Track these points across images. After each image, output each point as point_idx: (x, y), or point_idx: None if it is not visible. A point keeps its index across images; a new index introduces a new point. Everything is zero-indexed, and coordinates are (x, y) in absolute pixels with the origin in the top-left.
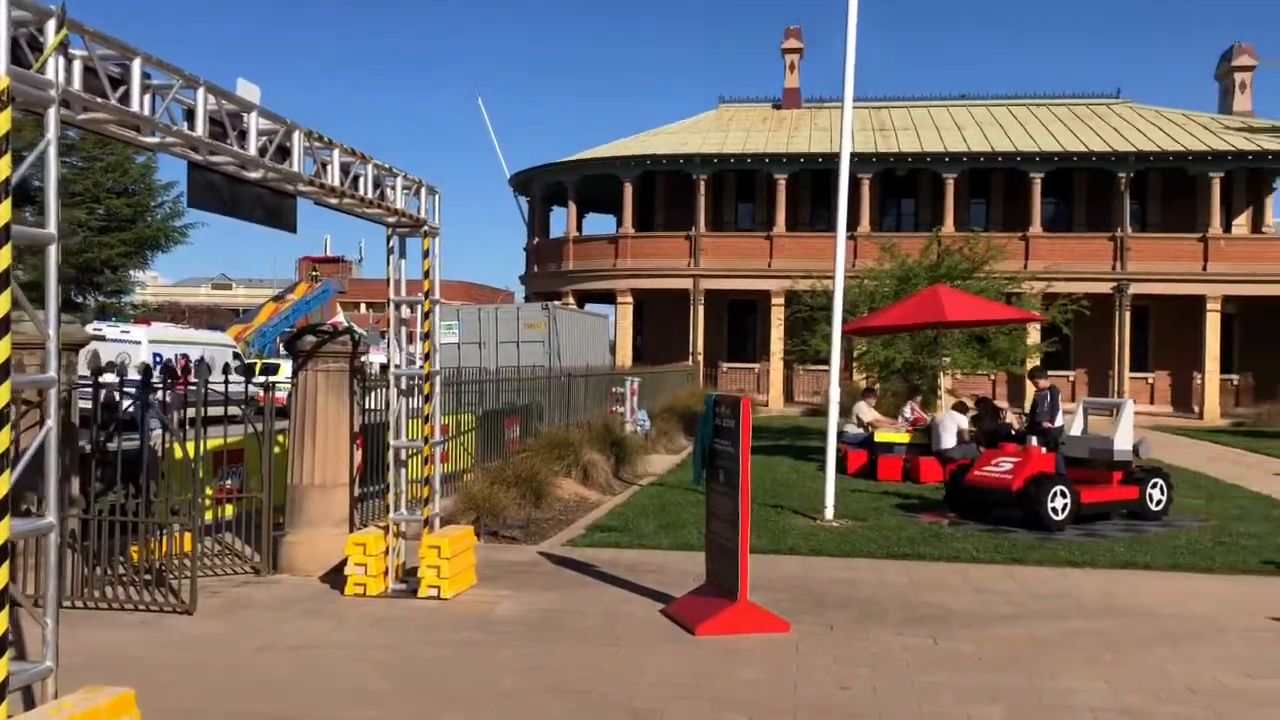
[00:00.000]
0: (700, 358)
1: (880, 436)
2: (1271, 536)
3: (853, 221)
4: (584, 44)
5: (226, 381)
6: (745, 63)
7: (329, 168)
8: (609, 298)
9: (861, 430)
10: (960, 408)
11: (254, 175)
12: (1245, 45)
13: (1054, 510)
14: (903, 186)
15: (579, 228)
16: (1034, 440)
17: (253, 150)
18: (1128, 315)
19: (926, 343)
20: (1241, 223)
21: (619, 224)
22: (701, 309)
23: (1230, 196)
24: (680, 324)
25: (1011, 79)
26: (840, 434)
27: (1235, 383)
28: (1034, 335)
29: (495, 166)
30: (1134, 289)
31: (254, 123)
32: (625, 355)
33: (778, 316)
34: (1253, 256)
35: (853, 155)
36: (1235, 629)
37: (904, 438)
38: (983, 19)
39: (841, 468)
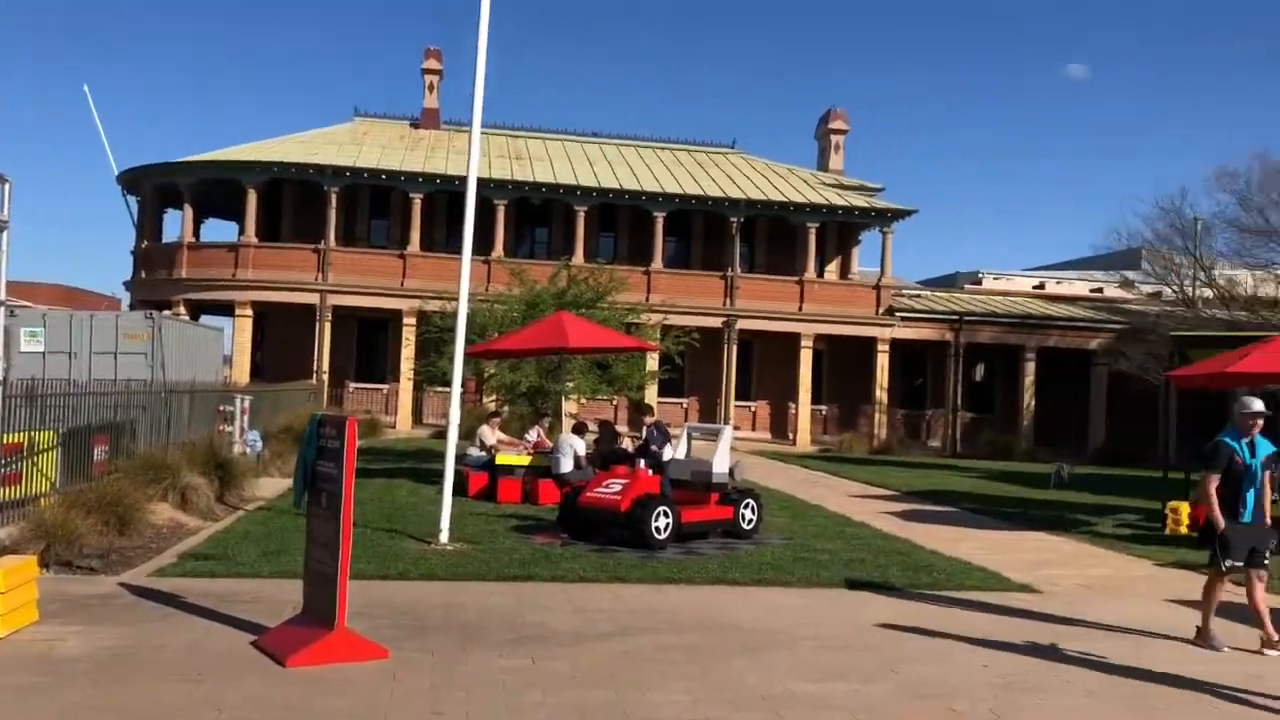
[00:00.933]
0: (325, 376)
1: (501, 459)
2: (843, 552)
3: (487, 246)
4: (210, 44)
5: None
6: (384, 78)
7: None
8: (228, 309)
9: (484, 453)
10: (579, 430)
11: None
12: (839, 110)
13: (657, 530)
14: (538, 215)
15: (196, 234)
16: (642, 463)
17: None
18: (735, 349)
19: (551, 368)
20: (832, 269)
21: (241, 232)
22: (329, 325)
23: (824, 245)
24: (306, 340)
25: (641, 120)
26: (463, 457)
27: (823, 413)
28: (652, 363)
29: (103, 162)
30: (741, 325)
31: None
32: (242, 371)
33: (408, 336)
34: (840, 300)
35: (489, 181)
36: (806, 638)
37: (525, 460)
38: (617, 60)
39: (462, 491)
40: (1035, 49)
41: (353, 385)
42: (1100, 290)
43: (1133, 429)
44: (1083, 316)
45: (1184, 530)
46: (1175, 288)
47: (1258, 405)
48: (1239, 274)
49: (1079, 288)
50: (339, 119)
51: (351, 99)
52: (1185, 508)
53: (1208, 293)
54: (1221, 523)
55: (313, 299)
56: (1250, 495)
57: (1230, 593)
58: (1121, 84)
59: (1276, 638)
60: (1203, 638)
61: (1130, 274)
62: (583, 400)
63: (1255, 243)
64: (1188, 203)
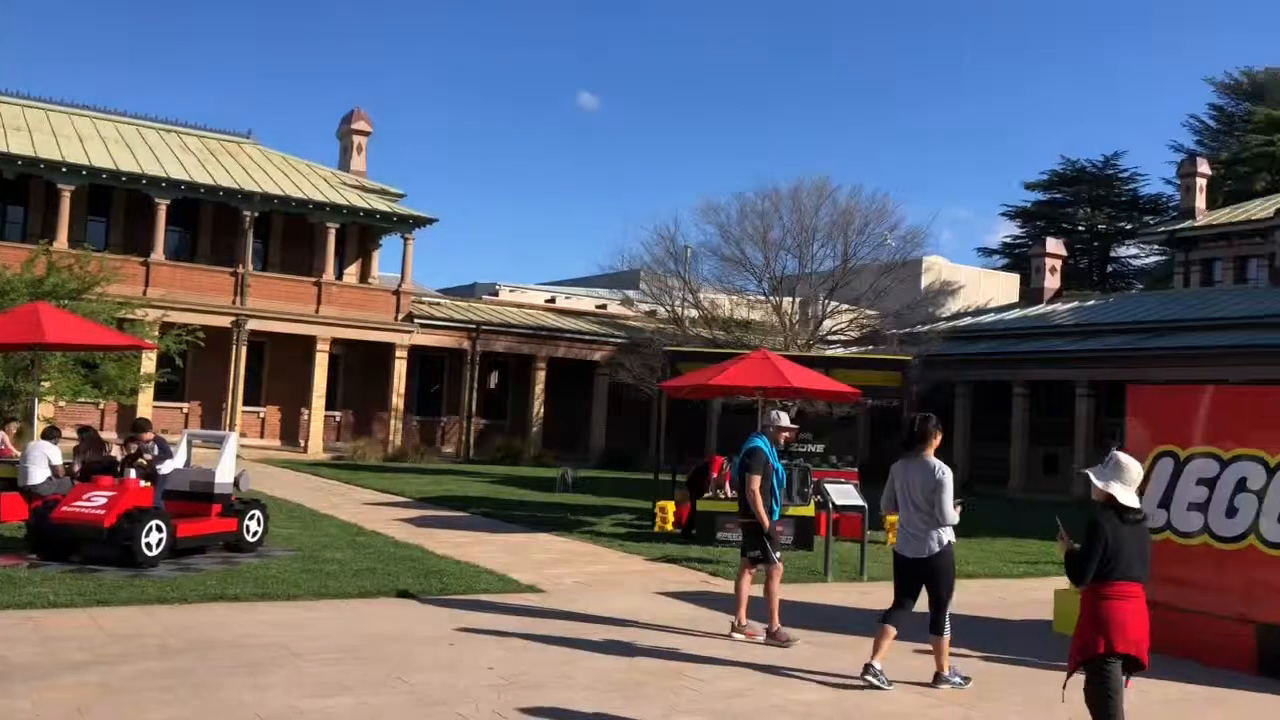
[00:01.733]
0: None
1: None
2: (354, 562)
3: None
4: None
5: None
6: None
7: None
8: None
9: None
10: (51, 435)
11: None
12: (362, 111)
13: (148, 546)
14: (12, 192)
15: None
16: (133, 473)
17: None
18: (244, 350)
19: (23, 365)
20: (352, 272)
21: None
22: None
23: (344, 247)
24: None
25: (142, 99)
26: None
27: (338, 419)
28: (149, 365)
29: None
30: (252, 325)
31: None
32: None
33: None
34: (359, 304)
35: None
36: (312, 652)
37: None
38: (116, 24)
39: None
40: (552, 74)
41: None
42: (604, 306)
43: (630, 434)
44: (588, 330)
45: (670, 528)
46: (668, 307)
47: (786, 420)
48: (720, 298)
49: (586, 303)
50: None
51: None
52: (671, 506)
53: (694, 313)
54: (768, 520)
55: None
56: (780, 494)
57: (707, 583)
58: (629, 114)
59: (744, 623)
60: (775, 636)
61: (630, 293)
62: (62, 403)
63: (733, 271)
64: (681, 231)
